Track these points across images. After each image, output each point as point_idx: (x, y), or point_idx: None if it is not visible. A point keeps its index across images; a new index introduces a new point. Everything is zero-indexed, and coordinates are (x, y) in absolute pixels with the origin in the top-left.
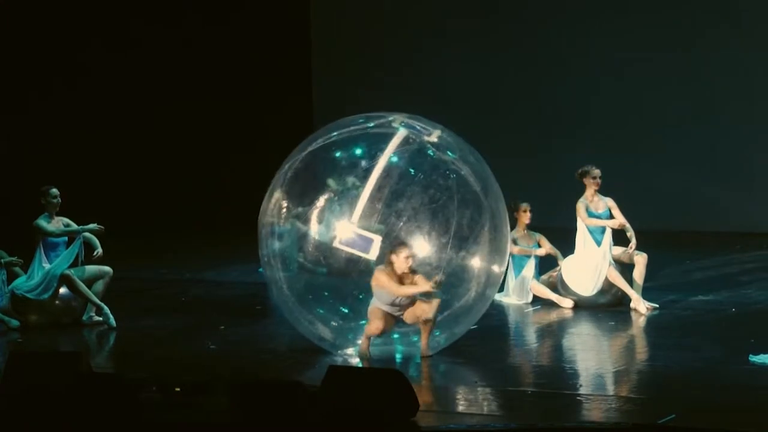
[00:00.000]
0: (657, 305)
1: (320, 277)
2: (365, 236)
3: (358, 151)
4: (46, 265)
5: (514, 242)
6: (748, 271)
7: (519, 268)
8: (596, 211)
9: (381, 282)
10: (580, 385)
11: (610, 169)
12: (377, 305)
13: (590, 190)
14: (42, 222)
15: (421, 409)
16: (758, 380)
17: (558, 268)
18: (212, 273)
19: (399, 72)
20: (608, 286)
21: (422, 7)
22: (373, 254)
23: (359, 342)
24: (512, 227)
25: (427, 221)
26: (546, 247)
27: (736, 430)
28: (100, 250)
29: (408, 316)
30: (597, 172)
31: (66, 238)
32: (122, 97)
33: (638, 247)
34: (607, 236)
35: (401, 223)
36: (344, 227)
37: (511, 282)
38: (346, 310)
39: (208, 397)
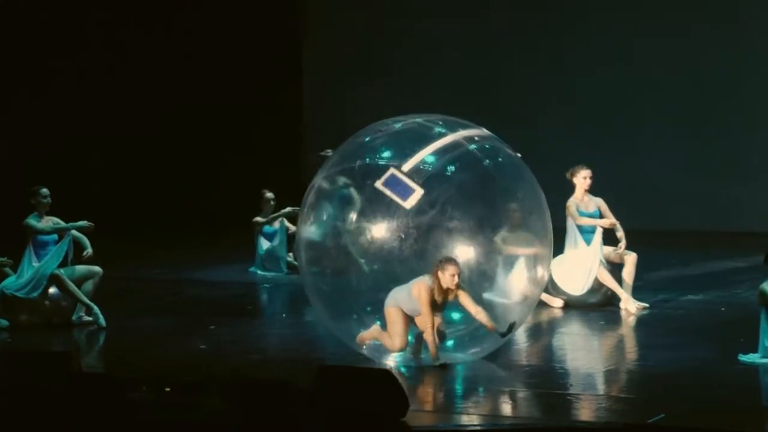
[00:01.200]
0: (647, 305)
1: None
2: (408, 184)
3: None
4: (36, 264)
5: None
6: (738, 270)
7: (508, 269)
8: (586, 211)
9: (422, 298)
10: (570, 385)
11: (600, 168)
12: (397, 306)
13: (580, 190)
14: (32, 221)
15: (412, 409)
16: (748, 380)
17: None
18: (202, 273)
19: (390, 71)
20: (598, 286)
21: (415, 4)
22: (409, 204)
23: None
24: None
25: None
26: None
27: (726, 430)
28: (89, 250)
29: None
30: (587, 171)
31: (56, 237)
32: (115, 98)
33: (628, 247)
34: (597, 236)
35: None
36: (390, 170)
37: (500, 281)
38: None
39: (198, 398)
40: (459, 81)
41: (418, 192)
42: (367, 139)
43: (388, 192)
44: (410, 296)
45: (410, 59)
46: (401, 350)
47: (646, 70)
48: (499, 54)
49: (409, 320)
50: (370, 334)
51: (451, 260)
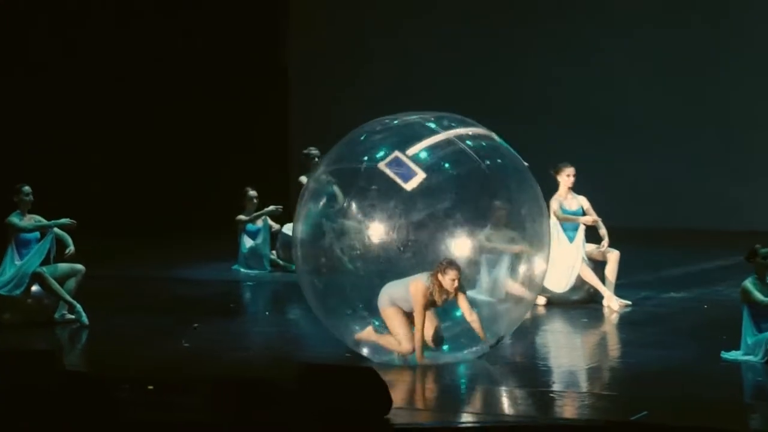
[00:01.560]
0: (629, 302)
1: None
2: (411, 167)
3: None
4: (18, 262)
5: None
6: (720, 268)
7: (492, 266)
8: (570, 209)
9: (417, 299)
10: (553, 382)
11: (583, 166)
12: (394, 305)
13: (564, 187)
14: (14, 218)
15: (395, 407)
16: (730, 377)
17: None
18: (186, 272)
19: (375, 68)
20: (581, 283)
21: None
22: (410, 186)
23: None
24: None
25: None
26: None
27: (709, 427)
28: (72, 248)
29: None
30: (571, 169)
31: (38, 235)
32: (100, 98)
33: (611, 244)
34: (580, 233)
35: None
36: (395, 153)
37: (485, 279)
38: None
39: (182, 396)
40: (448, 80)
41: (420, 175)
42: (363, 137)
43: (390, 173)
44: (407, 292)
45: (396, 56)
46: (411, 351)
47: (642, 67)
48: (486, 52)
49: (410, 318)
50: (367, 335)
51: (453, 264)
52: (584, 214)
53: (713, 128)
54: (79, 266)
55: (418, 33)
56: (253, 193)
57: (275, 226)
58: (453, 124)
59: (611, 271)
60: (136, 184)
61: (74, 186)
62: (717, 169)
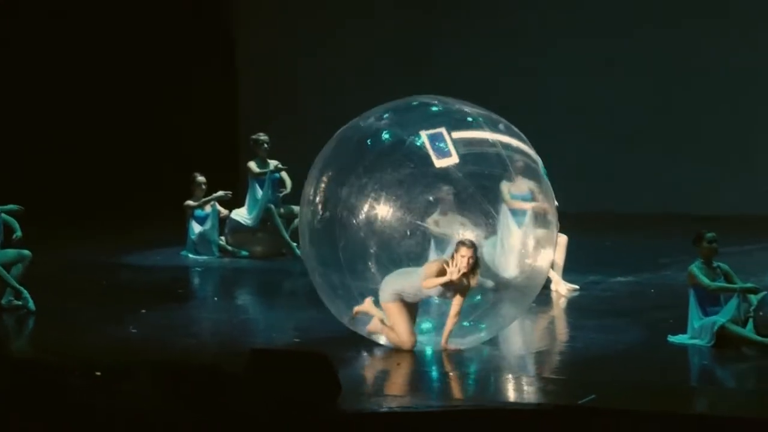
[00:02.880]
0: (578, 287)
1: None
2: (449, 147)
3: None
4: None
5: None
6: (667, 252)
7: (441, 251)
8: (519, 193)
9: (430, 269)
10: (502, 367)
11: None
12: (395, 300)
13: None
14: None
15: (344, 391)
16: (677, 360)
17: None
18: (133, 257)
19: (322, 56)
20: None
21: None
22: (439, 164)
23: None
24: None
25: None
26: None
27: (656, 410)
28: (19, 233)
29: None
30: (519, 155)
31: None
32: (46, 80)
33: (559, 229)
34: (529, 218)
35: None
36: (441, 128)
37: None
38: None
39: (130, 382)
40: (397, 60)
41: (454, 158)
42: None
43: (427, 144)
44: (418, 278)
45: (343, 41)
46: (413, 345)
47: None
48: (443, 37)
49: (413, 312)
50: (374, 326)
51: (465, 242)
52: (533, 198)
53: (657, 114)
54: (26, 252)
55: (369, 16)
56: (201, 178)
57: (224, 211)
58: (504, 130)
59: (559, 255)
60: (84, 169)
61: (21, 171)
62: (663, 154)
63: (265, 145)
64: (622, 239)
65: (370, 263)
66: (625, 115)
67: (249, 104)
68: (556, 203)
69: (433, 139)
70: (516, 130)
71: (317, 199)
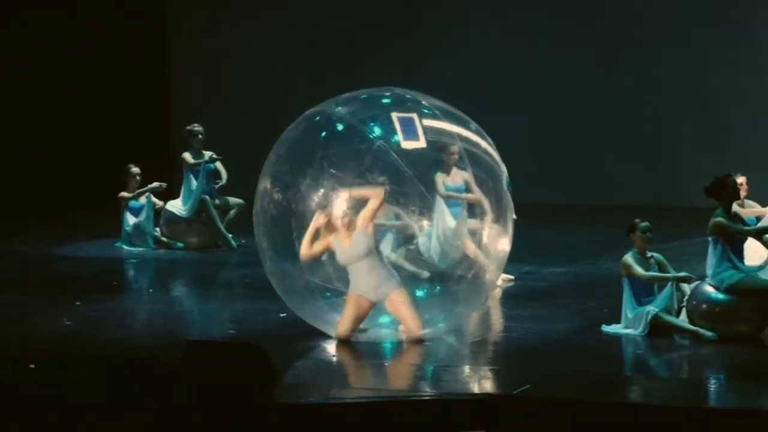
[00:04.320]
0: (512, 277)
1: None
2: (417, 132)
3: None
4: None
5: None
6: (600, 242)
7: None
8: (453, 185)
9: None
10: (437, 357)
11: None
12: (352, 291)
13: (448, 165)
14: None
15: (280, 383)
16: (610, 350)
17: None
18: (68, 249)
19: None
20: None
21: None
22: (404, 144)
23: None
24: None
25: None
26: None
27: (590, 400)
28: None
29: (389, 304)
30: (455, 148)
31: None
32: None
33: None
34: (464, 209)
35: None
36: (414, 114)
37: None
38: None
39: (64, 374)
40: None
41: (420, 143)
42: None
43: (397, 124)
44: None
45: (277, 33)
46: (342, 336)
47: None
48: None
49: (364, 309)
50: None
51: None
52: (467, 189)
53: (591, 103)
54: None
55: (305, 8)
56: (135, 169)
57: (159, 203)
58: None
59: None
60: (17, 160)
61: None
62: (598, 145)
63: (200, 136)
64: (557, 229)
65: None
66: (572, 101)
67: (182, 95)
68: (514, 216)
69: (402, 121)
70: (481, 131)
71: (272, 184)
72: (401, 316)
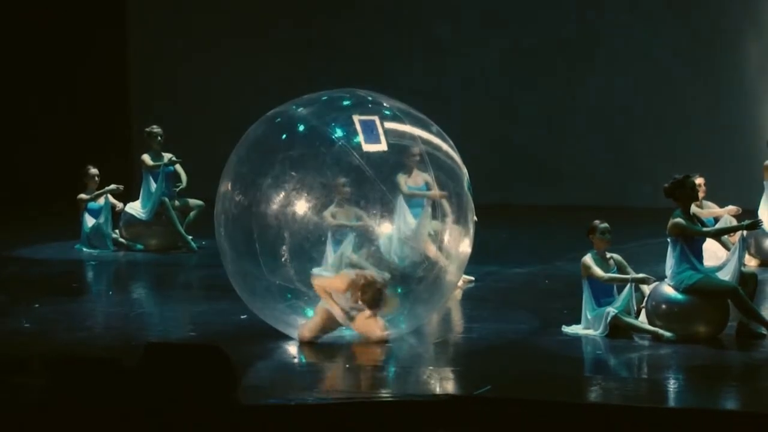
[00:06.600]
0: (473, 278)
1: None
2: (379, 135)
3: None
4: None
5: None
6: (560, 244)
7: (338, 243)
8: (415, 185)
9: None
10: (398, 358)
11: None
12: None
13: (409, 167)
14: None
15: (241, 385)
16: (571, 350)
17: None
18: (26, 250)
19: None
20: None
21: None
22: (366, 147)
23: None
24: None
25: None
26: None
27: (550, 400)
28: None
29: (359, 325)
30: (416, 149)
31: None
32: None
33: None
34: (426, 209)
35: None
36: (375, 117)
37: (330, 257)
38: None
39: (23, 376)
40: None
41: (382, 147)
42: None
43: (358, 127)
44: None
45: (238, 35)
46: (303, 339)
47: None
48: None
49: (335, 325)
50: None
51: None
52: (428, 189)
53: (552, 106)
54: None
55: (266, 9)
56: (94, 171)
57: (119, 204)
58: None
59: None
60: None
61: None
62: (558, 147)
63: (159, 138)
64: (517, 230)
65: (283, 252)
66: (537, 103)
67: (141, 96)
68: (475, 218)
69: (363, 124)
70: (443, 132)
71: (234, 186)
72: (366, 330)
